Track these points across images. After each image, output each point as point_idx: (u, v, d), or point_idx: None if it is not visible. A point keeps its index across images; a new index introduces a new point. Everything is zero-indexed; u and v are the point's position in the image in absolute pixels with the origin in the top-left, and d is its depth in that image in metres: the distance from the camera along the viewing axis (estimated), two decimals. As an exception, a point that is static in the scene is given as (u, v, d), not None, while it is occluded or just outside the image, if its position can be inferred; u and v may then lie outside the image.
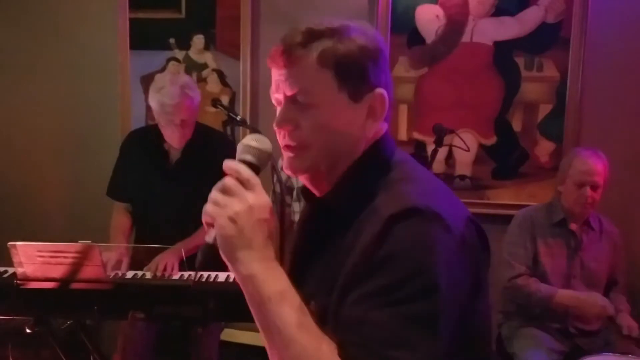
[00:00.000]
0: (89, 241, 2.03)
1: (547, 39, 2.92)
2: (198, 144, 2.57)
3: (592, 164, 2.55)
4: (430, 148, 3.04)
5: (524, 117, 3.00)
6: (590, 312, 2.53)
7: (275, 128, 1.04)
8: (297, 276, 1.05)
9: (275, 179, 2.98)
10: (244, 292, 0.95)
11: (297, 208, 2.96)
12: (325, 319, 0.95)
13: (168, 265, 2.37)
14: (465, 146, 2.71)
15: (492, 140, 3.03)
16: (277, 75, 1.03)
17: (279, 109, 1.05)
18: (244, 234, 0.93)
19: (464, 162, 3.04)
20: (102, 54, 3.34)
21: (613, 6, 2.85)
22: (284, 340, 0.91)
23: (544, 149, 3.00)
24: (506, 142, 3.02)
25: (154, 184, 2.59)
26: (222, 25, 3.25)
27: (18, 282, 2.08)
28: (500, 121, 3.01)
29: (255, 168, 0.99)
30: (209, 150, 2.60)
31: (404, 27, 3.03)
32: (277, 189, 3.00)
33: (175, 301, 2.13)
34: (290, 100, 1.02)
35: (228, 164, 0.97)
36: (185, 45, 3.28)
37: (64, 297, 2.08)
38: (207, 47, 3.27)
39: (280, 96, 1.04)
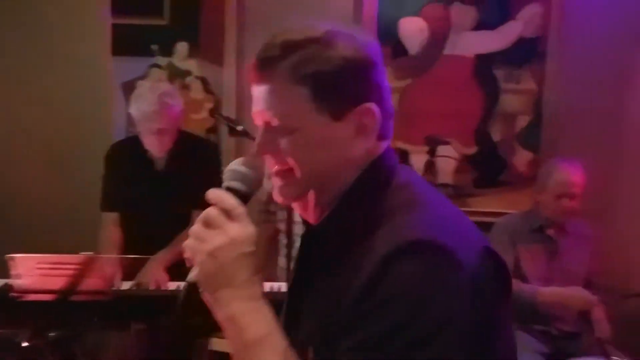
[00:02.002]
0: (91, 252, 2.00)
1: (525, 52, 3.05)
2: (182, 152, 2.57)
3: (570, 175, 2.66)
4: (413, 157, 3.12)
5: (503, 128, 3.12)
6: (575, 306, 2.64)
7: (256, 154, 0.96)
8: (292, 315, 0.99)
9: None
10: (225, 332, 0.88)
11: (282, 216, 2.98)
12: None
13: (159, 281, 2.36)
14: (456, 155, 2.80)
15: (472, 150, 3.14)
16: (253, 91, 0.94)
17: (259, 130, 0.95)
18: (224, 270, 0.86)
19: (446, 170, 3.13)
20: (83, 60, 3.27)
21: (589, 21, 2.99)
22: None
23: (522, 158, 3.12)
24: (486, 151, 3.13)
25: (142, 193, 2.57)
26: (206, 32, 3.24)
27: (14, 294, 2.03)
28: (481, 131, 3.12)
29: (243, 195, 0.92)
30: (194, 157, 2.60)
31: (389, 39, 3.10)
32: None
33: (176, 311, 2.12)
34: (268, 125, 0.93)
35: (211, 194, 0.90)
36: (168, 52, 3.26)
37: (63, 309, 2.04)
38: (190, 54, 3.26)
39: (258, 118, 0.95)
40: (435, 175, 3.13)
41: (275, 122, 0.92)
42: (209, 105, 3.27)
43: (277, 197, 0.98)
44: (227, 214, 0.89)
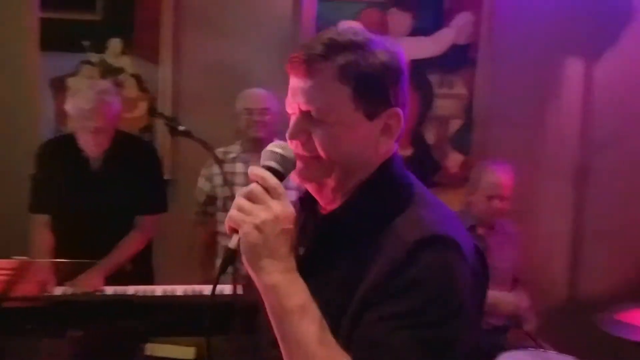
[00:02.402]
0: (24, 257, 1.91)
1: (458, 59, 3.17)
2: (120, 152, 2.50)
3: (500, 177, 2.79)
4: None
5: (436, 131, 3.23)
6: (505, 310, 2.78)
7: (287, 139, 1.03)
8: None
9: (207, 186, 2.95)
10: (265, 301, 0.94)
11: (222, 218, 2.93)
12: (336, 335, 0.95)
13: (93, 283, 2.29)
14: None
15: (408, 152, 3.23)
16: (294, 83, 1.01)
17: (293, 118, 1.03)
18: (268, 243, 0.93)
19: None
20: (9, 55, 3.10)
21: (517, 30, 3.15)
22: (304, 355, 0.92)
23: (454, 160, 3.24)
24: (421, 153, 3.23)
25: (76, 195, 2.47)
26: (141, 29, 3.15)
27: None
28: (416, 134, 3.22)
29: (279, 175, 0.98)
30: (132, 158, 2.54)
31: (328, 41, 3.13)
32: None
33: (114, 317, 2.06)
34: (304, 114, 1.01)
35: (254, 171, 0.96)
36: (100, 48, 3.14)
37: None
38: (124, 51, 3.16)
39: (295, 105, 1.02)
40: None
41: (314, 113, 0.99)
42: (143, 103, 3.19)
43: (296, 179, 1.05)
44: (270, 191, 0.95)
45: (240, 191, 0.96)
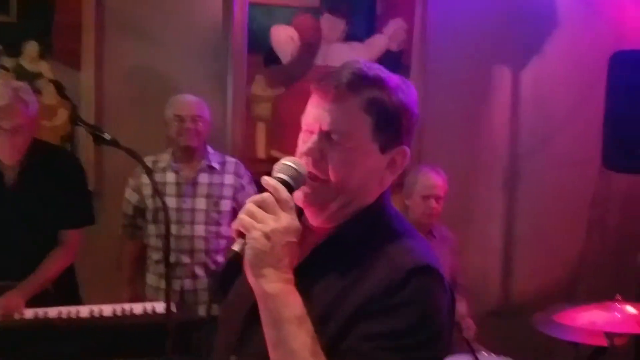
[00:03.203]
0: None
1: (390, 65, 3.10)
2: (38, 162, 2.32)
3: (434, 179, 2.83)
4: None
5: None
6: None
7: (301, 154, 1.07)
8: None
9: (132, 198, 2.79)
10: (262, 307, 0.98)
11: (152, 231, 2.80)
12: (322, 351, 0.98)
13: (12, 306, 2.10)
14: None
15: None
16: (318, 104, 1.06)
17: (308, 135, 1.07)
18: (274, 252, 0.97)
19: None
20: None
21: (449, 38, 3.19)
22: None
23: (389, 166, 3.23)
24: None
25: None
26: (60, 32, 2.95)
27: None
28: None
29: (290, 189, 1.02)
30: (53, 170, 2.37)
31: (260, 47, 3.06)
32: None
33: (36, 343, 1.89)
34: (324, 134, 1.05)
35: (268, 181, 1.01)
36: (15, 52, 2.93)
37: None
38: (42, 56, 2.96)
39: (316, 125, 1.06)
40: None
41: (335, 135, 1.05)
42: (63, 111, 2.99)
43: (301, 202, 1.07)
44: (281, 203, 0.99)
45: (252, 198, 1.00)
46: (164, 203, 1.87)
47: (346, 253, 1.06)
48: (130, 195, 2.85)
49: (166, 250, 1.89)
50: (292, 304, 0.97)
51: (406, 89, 1.10)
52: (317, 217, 1.10)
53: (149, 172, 1.91)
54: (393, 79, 1.09)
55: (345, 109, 1.04)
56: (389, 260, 1.01)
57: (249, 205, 0.99)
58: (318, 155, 1.05)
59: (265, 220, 0.97)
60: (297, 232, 1.00)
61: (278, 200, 0.99)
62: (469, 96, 3.23)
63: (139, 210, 2.84)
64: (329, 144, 1.05)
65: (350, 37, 3.13)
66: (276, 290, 0.96)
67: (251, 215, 0.98)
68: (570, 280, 3.22)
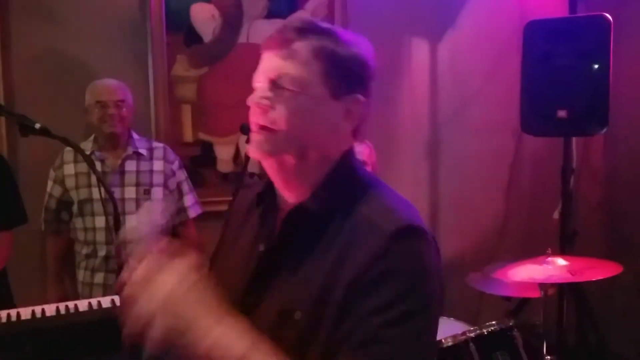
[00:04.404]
0: None
1: (313, 41, 3.15)
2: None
3: (358, 148, 2.85)
4: (218, 149, 3.04)
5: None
6: None
7: (250, 104, 1.04)
8: (260, 284, 1.05)
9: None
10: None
11: (80, 224, 2.65)
12: (315, 330, 0.95)
13: None
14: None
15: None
16: (267, 57, 1.04)
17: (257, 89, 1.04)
18: (182, 316, 0.89)
19: (253, 160, 3.09)
20: None
21: (370, 11, 3.21)
22: None
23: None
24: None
25: None
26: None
27: None
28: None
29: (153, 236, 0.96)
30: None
31: (180, 26, 2.95)
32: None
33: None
34: (273, 83, 1.02)
35: (127, 271, 0.93)
36: None
37: None
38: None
39: (263, 77, 1.04)
40: (239, 166, 3.09)
41: (283, 80, 1.01)
42: (-34, 101, 2.74)
43: (253, 152, 1.04)
44: (149, 265, 0.92)
45: (125, 291, 0.93)
46: (109, 193, 1.75)
47: (322, 224, 1.02)
48: (52, 189, 2.68)
49: (117, 242, 1.79)
50: (233, 343, 0.90)
51: (359, 43, 1.07)
52: (287, 186, 1.07)
53: (90, 162, 1.79)
54: (345, 32, 1.07)
55: (293, 52, 1.01)
56: (370, 226, 0.98)
57: (130, 298, 0.91)
58: (267, 104, 1.02)
59: (147, 298, 0.90)
60: (186, 273, 0.92)
61: (144, 265, 0.93)
62: (391, 69, 3.29)
63: (64, 204, 2.68)
64: (278, 92, 1.02)
65: (273, 13, 3.08)
66: (210, 343, 0.90)
67: (138, 308, 0.90)
68: (494, 240, 3.41)
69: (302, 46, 1.01)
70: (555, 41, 2.88)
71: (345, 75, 1.04)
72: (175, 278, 0.91)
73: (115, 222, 1.76)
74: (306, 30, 1.02)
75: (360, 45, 1.07)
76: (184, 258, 0.93)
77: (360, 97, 1.06)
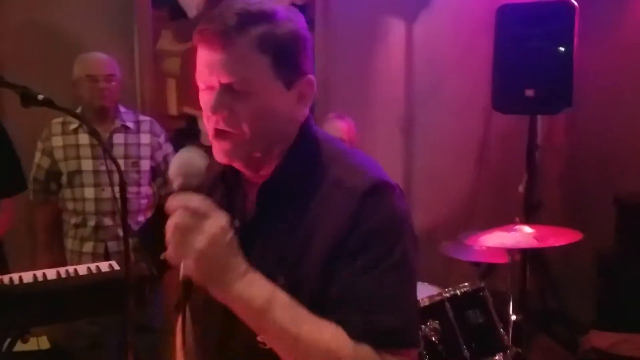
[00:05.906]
0: None
1: (295, 18, 3.23)
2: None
3: (339, 124, 2.92)
4: (201, 122, 3.11)
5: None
6: None
7: (209, 114, 1.01)
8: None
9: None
10: (235, 311, 0.96)
11: (69, 195, 2.69)
12: (300, 291, 0.97)
13: None
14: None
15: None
16: (210, 56, 0.99)
17: (208, 92, 1.01)
18: (217, 265, 0.93)
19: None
20: None
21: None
22: (290, 342, 0.94)
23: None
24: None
25: None
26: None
27: None
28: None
29: (196, 189, 0.97)
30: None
31: (165, 1, 3.00)
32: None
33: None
34: (226, 87, 0.99)
35: (173, 201, 0.94)
36: None
37: None
38: None
39: (213, 79, 1.00)
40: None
41: (237, 85, 0.99)
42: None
43: (222, 159, 1.04)
44: (196, 213, 0.93)
45: (167, 226, 0.94)
46: (116, 164, 1.80)
47: (292, 194, 1.04)
48: (40, 160, 2.73)
49: (123, 212, 1.84)
50: (256, 293, 0.94)
51: (294, 17, 1.03)
52: (247, 169, 1.07)
53: (96, 133, 1.84)
54: (278, 10, 1.01)
55: (239, 54, 0.97)
56: (340, 188, 1.00)
57: (171, 235, 0.93)
58: (225, 110, 0.99)
59: (190, 242, 0.92)
60: (226, 229, 0.94)
61: (191, 211, 0.93)
62: (369, 47, 3.42)
63: (52, 175, 2.73)
64: (233, 96, 0.99)
65: (255, -9, 3.15)
66: (236, 293, 0.94)
67: (177, 244, 0.93)
68: (465, 210, 3.61)
69: (245, 43, 0.97)
70: (524, 24, 3.05)
71: (293, 61, 1.02)
72: (213, 233, 0.93)
73: (121, 192, 1.83)
74: (244, 23, 0.97)
75: (295, 19, 1.03)
76: (219, 217, 0.95)
77: (310, 76, 1.05)
